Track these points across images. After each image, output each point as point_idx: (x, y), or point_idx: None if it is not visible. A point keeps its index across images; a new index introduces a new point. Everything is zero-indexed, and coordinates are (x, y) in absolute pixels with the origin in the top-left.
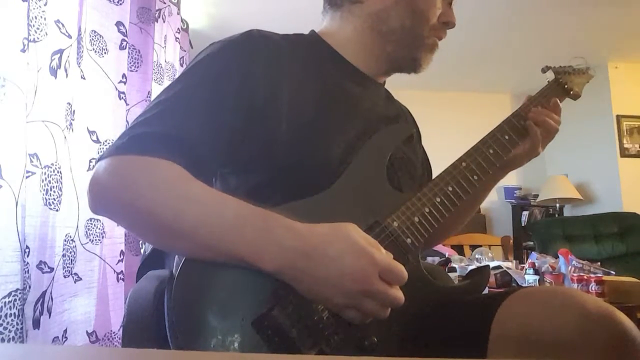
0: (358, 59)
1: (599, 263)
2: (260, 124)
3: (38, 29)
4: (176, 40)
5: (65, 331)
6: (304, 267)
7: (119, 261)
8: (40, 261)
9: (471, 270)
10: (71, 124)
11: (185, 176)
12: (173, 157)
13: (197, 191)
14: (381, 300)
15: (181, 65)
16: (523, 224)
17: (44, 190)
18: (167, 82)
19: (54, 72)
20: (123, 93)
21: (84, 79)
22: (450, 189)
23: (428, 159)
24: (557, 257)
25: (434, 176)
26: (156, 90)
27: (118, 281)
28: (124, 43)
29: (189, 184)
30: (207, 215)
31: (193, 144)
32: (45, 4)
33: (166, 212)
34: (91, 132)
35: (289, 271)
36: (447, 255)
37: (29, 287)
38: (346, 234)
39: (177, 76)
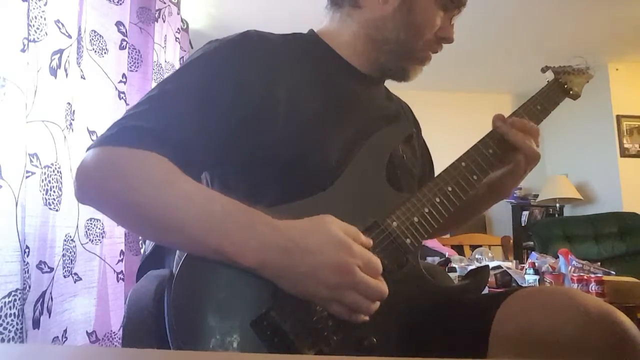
0: (354, 61)
1: (599, 263)
2: (257, 124)
3: (38, 28)
4: (176, 40)
5: (65, 331)
6: (285, 263)
7: (119, 261)
8: (40, 261)
9: (471, 270)
10: (71, 124)
11: (174, 170)
12: (162, 151)
13: (186, 186)
14: (363, 290)
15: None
16: (523, 224)
17: (43, 190)
18: None
19: (53, 72)
20: (123, 93)
21: (84, 78)
22: (449, 189)
23: (429, 153)
24: (557, 257)
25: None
26: None
27: (118, 281)
28: (124, 43)
29: (178, 178)
30: (194, 211)
31: (182, 142)
32: (45, 4)
33: (154, 205)
34: (91, 132)
35: (270, 267)
36: (447, 255)
37: (29, 287)
38: (324, 227)
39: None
